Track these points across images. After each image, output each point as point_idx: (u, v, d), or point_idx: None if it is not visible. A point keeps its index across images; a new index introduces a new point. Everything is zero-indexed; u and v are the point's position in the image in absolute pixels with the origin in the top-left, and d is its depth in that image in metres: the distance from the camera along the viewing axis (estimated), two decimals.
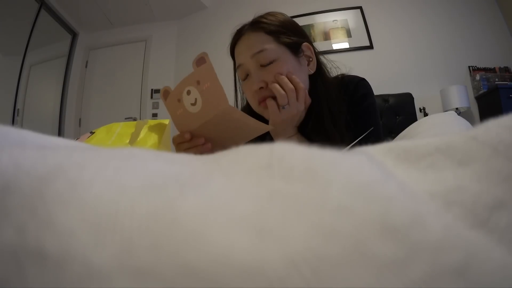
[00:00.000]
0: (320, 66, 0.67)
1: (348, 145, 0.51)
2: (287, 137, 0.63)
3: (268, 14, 0.64)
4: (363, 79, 0.69)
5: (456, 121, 0.72)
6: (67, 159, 0.11)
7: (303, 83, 0.61)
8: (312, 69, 0.65)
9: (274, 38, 0.60)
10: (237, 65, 0.64)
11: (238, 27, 0.65)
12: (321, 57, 0.69)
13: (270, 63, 0.59)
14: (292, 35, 0.62)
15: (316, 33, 2.76)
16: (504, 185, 0.13)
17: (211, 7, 3.12)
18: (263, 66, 0.59)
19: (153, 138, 0.70)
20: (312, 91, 0.65)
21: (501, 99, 2.11)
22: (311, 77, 0.66)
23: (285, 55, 0.60)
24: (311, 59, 0.66)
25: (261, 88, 0.60)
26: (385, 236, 0.08)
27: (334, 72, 0.72)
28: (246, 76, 0.63)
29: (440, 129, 0.69)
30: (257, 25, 0.62)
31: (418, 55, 2.55)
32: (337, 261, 0.08)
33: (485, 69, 2.41)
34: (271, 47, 0.59)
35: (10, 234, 0.08)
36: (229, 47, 0.68)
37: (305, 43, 0.64)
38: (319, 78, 0.66)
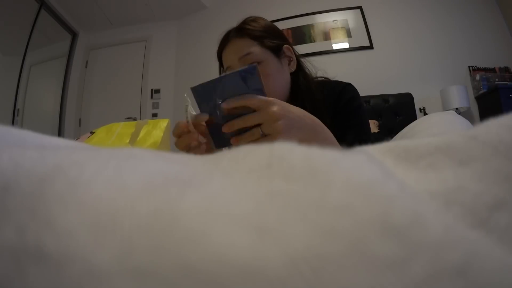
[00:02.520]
0: (300, 64, 0.75)
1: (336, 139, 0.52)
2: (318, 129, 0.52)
3: (251, 20, 0.71)
4: (349, 84, 0.74)
5: (455, 120, 0.72)
6: (67, 159, 0.11)
7: (285, 81, 0.70)
8: (293, 67, 0.73)
9: (258, 43, 0.67)
10: (225, 67, 0.70)
11: (223, 34, 0.72)
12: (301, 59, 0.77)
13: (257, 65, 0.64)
14: (274, 38, 0.69)
15: (316, 33, 2.76)
16: (504, 184, 0.13)
17: (211, 7, 3.12)
18: None
19: (153, 137, 0.71)
20: (294, 86, 0.72)
21: (501, 99, 2.11)
22: (292, 74, 0.73)
23: (269, 57, 0.67)
24: (291, 59, 0.73)
25: None
26: (385, 236, 0.08)
27: (316, 72, 0.79)
28: None
29: (439, 128, 0.69)
30: (242, 31, 0.68)
31: (418, 55, 2.55)
32: (337, 260, 0.08)
33: (485, 69, 2.41)
34: (256, 51, 0.66)
35: (10, 234, 0.08)
36: (216, 52, 0.74)
37: (285, 46, 0.71)
38: (300, 73, 0.73)
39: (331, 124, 0.65)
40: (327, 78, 0.79)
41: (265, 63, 0.65)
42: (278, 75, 0.67)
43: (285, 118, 0.43)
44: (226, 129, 0.45)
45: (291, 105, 0.46)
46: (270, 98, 0.44)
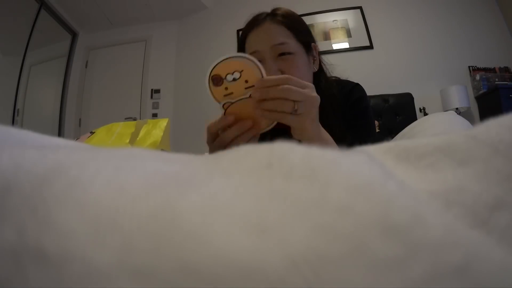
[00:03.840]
0: (321, 65, 0.73)
1: (346, 142, 0.51)
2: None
3: (285, 10, 0.67)
4: (358, 84, 0.73)
5: (455, 120, 0.72)
6: (67, 159, 0.11)
7: (310, 79, 0.66)
8: (316, 67, 0.70)
9: (293, 35, 0.64)
10: (251, 51, 0.65)
11: (254, 14, 0.67)
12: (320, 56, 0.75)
13: (288, 54, 0.62)
14: (306, 34, 0.67)
15: (316, 33, 2.76)
16: (504, 184, 0.13)
17: (212, 7, 3.12)
18: (280, 56, 0.62)
19: (153, 136, 0.71)
20: (315, 86, 0.68)
21: (501, 99, 2.12)
22: (314, 74, 0.70)
23: (301, 52, 0.65)
24: (315, 58, 0.70)
25: None
26: (386, 236, 0.08)
27: (329, 73, 0.77)
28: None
29: (439, 128, 0.70)
30: (278, 18, 0.64)
31: (418, 55, 2.55)
32: (338, 260, 0.08)
33: (485, 69, 2.41)
34: (292, 42, 0.63)
35: (10, 234, 0.08)
36: (241, 32, 0.69)
37: (313, 44, 0.69)
38: (322, 75, 0.71)
39: (345, 126, 0.65)
40: (337, 77, 0.77)
41: (297, 56, 0.63)
42: (306, 71, 0.65)
43: (316, 109, 0.45)
44: (259, 94, 0.41)
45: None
46: (312, 85, 0.45)
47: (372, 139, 0.66)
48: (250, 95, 0.42)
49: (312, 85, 0.44)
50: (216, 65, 0.41)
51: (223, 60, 0.40)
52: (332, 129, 0.63)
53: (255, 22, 0.65)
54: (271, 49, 0.62)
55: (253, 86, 0.42)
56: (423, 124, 0.80)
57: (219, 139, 0.46)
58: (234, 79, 0.41)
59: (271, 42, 0.61)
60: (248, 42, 0.66)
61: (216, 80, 0.42)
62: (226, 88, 0.42)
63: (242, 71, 0.41)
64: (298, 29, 0.65)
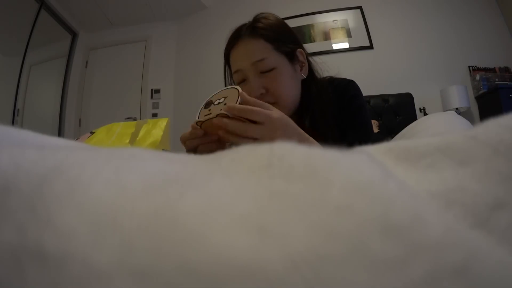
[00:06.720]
0: (311, 70, 0.71)
1: (338, 144, 0.50)
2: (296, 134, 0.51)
3: (264, 18, 0.65)
4: (352, 81, 0.71)
5: (455, 120, 0.72)
6: (67, 159, 0.11)
7: (296, 88, 0.66)
8: (305, 73, 0.69)
9: (273, 47, 0.63)
10: (234, 70, 0.65)
11: (234, 29, 0.66)
12: (311, 59, 0.72)
13: (270, 70, 0.62)
14: (289, 42, 0.65)
15: (316, 33, 2.76)
16: (504, 185, 0.13)
17: (211, 7, 3.12)
18: (262, 73, 0.62)
19: (153, 136, 0.71)
20: (305, 93, 0.68)
21: (501, 99, 2.12)
22: (304, 81, 0.69)
23: (283, 63, 0.63)
24: (303, 65, 0.69)
25: (261, 94, 0.62)
26: (386, 236, 0.08)
27: (322, 73, 0.75)
28: (243, 80, 0.65)
29: (439, 128, 0.69)
30: (256, 31, 0.63)
31: (418, 55, 2.55)
32: (338, 260, 0.08)
33: (485, 69, 2.41)
34: (272, 56, 0.62)
35: (10, 234, 0.08)
36: (224, 49, 0.69)
37: (299, 50, 0.67)
38: (312, 81, 0.69)
39: (338, 129, 0.65)
40: (330, 76, 0.75)
41: (279, 70, 0.62)
42: (291, 82, 0.64)
43: (284, 128, 0.45)
44: (219, 121, 0.44)
45: (290, 123, 0.46)
46: (273, 113, 0.44)
47: (368, 138, 0.65)
48: (217, 115, 0.47)
49: (273, 116, 0.44)
50: (214, 95, 0.49)
51: (220, 91, 0.49)
52: (324, 136, 0.62)
53: (236, 38, 0.64)
54: (252, 67, 0.62)
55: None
56: (423, 124, 0.79)
57: (187, 147, 0.51)
58: (218, 103, 0.48)
59: (251, 59, 0.61)
60: (231, 59, 0.66)
61: (207, 104, 0.50)
62: (209, 110, 0.48)
63: (226, 97, 0.47)
64: (279, 39, 0.63)
